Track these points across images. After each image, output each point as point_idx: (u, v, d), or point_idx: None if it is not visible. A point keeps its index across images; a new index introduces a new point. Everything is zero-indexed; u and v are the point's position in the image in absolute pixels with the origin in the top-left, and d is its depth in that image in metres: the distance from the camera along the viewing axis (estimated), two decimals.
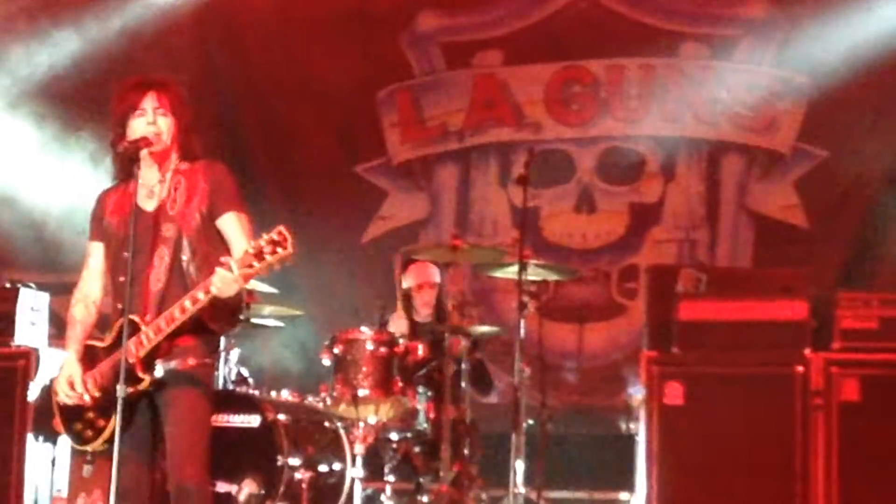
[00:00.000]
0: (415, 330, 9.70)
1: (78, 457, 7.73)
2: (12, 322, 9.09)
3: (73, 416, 6.61)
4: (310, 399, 9.30)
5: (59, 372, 6.60)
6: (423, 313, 9.86)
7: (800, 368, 8.20)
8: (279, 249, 6.16)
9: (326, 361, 9.11)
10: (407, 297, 9.94)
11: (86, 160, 11.02)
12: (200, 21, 11.55)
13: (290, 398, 9.37)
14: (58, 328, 10.22)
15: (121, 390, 6.31)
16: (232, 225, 6.55)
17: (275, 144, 11.58)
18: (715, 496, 8.12)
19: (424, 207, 11.89)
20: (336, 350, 9.07)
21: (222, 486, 8.72)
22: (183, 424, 6.49)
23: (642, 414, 8.35)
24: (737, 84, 11.30)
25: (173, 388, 6.49)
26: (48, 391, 6.85)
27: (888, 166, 10.84)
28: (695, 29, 11.51)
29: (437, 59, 11.92)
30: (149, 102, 6.61)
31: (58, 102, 11.40)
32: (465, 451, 9.09)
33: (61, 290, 10.26)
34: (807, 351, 8.24)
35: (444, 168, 11.94)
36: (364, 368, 9.00)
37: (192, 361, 6.48)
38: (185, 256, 6.51)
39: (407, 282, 9.94)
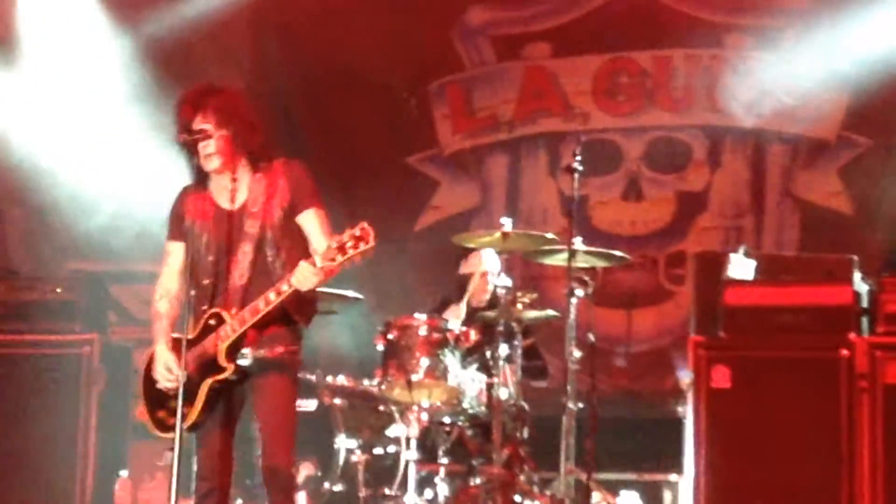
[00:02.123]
0: (469, 315, 9.69)
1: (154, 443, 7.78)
2: (76, 310, 9.13)
3: (156, 404, 6.69)
4: (365, 383, 9.32)
5: (154, 362, 6.66)
6: (479, 299, 9.84)
7: (845, 352, 8.17)
8: (361, 244, 6.24)
9: (381, 347, 9.12)
10: (462, 283, 9.93)
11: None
12: (255, 16, 11.57)
13: (345, 383, 9.38)
14: (118, 315, 10.31)
15: (182, 375, 6.38)
16: (312, 221, 6.63)
17: (329, 137, 11.58)
18: (762, 478, 8.11)
19: (475, 197, 11.89)
20: (390, 336, 9.07)
21: None
22: (273, 410, 6.61)
23: (690, 397, 8.33)
24: (781, 73, 11.23)
25: (263, 375, 6.59)
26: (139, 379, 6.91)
27: None
28: (739, 20, 11.45)
29: (486, 51, 11.91)
30: (198, 124, 6.65)
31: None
32: (517, 434, 9.08)
33: (121, 279, 10.36)
34: (851, 335, 8.21)
35: (494, 158, 11.94)
36: (417, 353, 9.00)
37: (279, 349, 6.56)
38: (268, 252, 6.60)
39: (463, 269, 9.94)
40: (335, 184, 11.38)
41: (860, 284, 8.37)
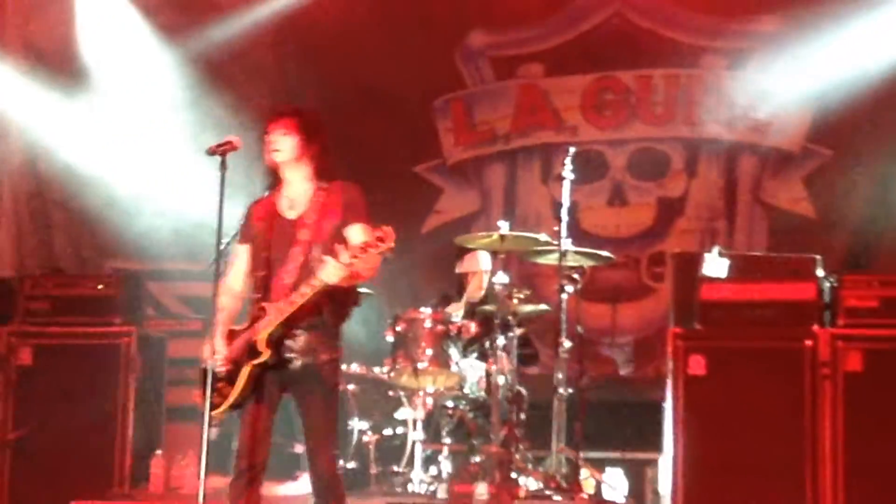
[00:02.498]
0: (469, 309, 9.68)
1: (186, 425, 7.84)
2: (115, 303, 9.13)
3: (209, 388, 6.71)
4: (375, 371, 9.32)
5: (210, 350, 6.67)
6: (476, 295, 9.84)
7: (809, 342, 8.17)
8: (381, 244, 6.29)
9: (390, 338, 9.14)
10: (461, 281, 9.94)
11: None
12: (277, 37, 11.56)
13: (358, 370, 9.38)
14: (153, 309, 10.30)
15: (211, 364, 6.41)
16: (356, 230, 6.64)
17: (343, 147, 11.49)
18: (733, 455, 8.10)
19: (476, 202, 11.89)
20: (398, 328, 9.10)
21: (299, 448, 8.73)
22: (318, 418, 6.66)
23: (669, 383, 8.32)
24: (751, 91, 11.23)
25: (308, 383, 6.61)
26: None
27: (885, 164, 10.74)
28: (714, 42, 11.45)
29: (486, 71, 11.91)
30: (276, 128, 6.74)
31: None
32: (513, 416, 9.07)
33: (156, 277, 10.35)
34: (815, 327, 8.20)
35: (492, 167, 11.94)
36: (423, 344, 9.01)
37: (324, 357, 6.61)
38: (315, 257, 6.61)
39: (461, 268, 9.94)
40: None
41: (823, 281, 8.36)
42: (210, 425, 6.74)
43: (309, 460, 6.67)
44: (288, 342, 6.60)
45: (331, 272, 6.41)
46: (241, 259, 6.90)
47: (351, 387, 9.25)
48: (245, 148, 6.77)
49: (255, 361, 6.54)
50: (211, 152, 6.72)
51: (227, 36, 11.36)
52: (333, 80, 11.48)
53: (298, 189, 6.78)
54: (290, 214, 6.76)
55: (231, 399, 6.60)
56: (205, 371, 6.66)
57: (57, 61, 11.33)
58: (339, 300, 6.66)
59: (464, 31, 11.83)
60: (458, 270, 9.95)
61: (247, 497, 6.61)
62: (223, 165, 6.68)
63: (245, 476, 6.60)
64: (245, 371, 6.57)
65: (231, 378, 6.62)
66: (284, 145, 6.75)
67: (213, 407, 6.62)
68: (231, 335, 6.72)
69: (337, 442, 6.73)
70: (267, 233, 6.74)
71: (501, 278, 9.28)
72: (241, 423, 6.61)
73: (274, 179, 6.84)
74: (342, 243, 6.55)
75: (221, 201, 6.59)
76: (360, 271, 6.48)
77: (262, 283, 6.68)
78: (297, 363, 6.61)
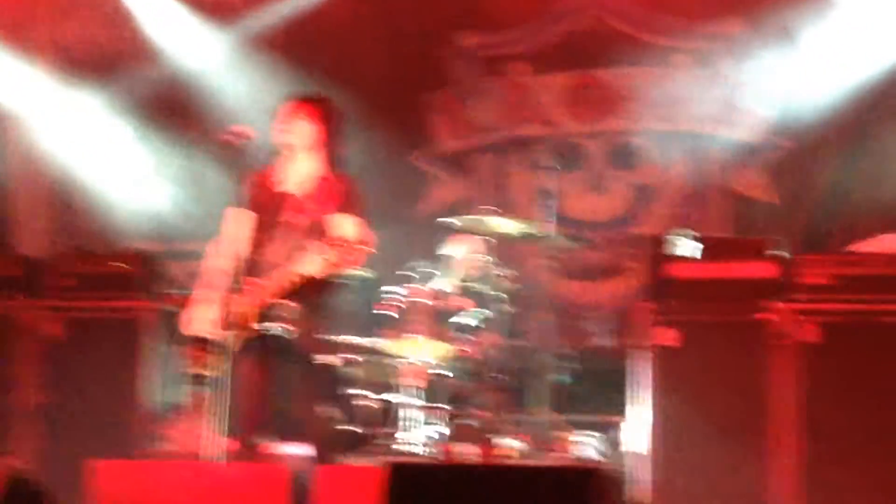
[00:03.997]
0: (460, 288, 9.68)
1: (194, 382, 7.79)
2: (135, 280, 9.13)
3: (197, 346, 6.68)
4: (373, 341, 9.32)
5: (196, 309, 6.65)
6: (467, 276, 9.84)
7: (770, 316, 8.19)
8: (364, 246, 6.24)
9: (387, 312, 9.14)
10: (450, 262, 9.92)
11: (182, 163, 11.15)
12: (287, 39, 11.55)
13: (356, 341, 9.39)
14: (170, 286, 10.30)
15: (231, 337, 6.40)
16: (343, 220, 6.59)
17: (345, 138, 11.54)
18: (699, 420, 8.11)
19: (466, 190, 11.89)
20: (395, 303, 9.10)
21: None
22: (300, 384, 6.57)
23: (642, 353, 8.33)
24: (717, 87, 11.24)
25: (291, 352, 6.55)
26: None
27: (838, 152, 10.75)
28: (683, 43, 11.45)
29: (476, 68, 11.91)
30: (297, 111, 6.67)
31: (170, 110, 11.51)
32: (500, 384, 9.08)
33: (172, 257, 10.35)
34: (775, 302, 8.22)
35: (482, 157, 11.94)
36: (418, 317, 9.01)
37: (305, 328, 6.56)
38: (305, 241, 6.57)
39: (450, 250, 9.92)
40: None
41: (783, 260, 8.37)
42: (201, 385, 6.74)
43: (294, 422, 6.59)
44: (272, 314, 6.53)
45: (315, 266, 6.36)
46: (236, 225, 6.81)
47: (349, 356, 9.25)
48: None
49: (241, 334, 6.48)
50: (224, 141, 6.66)
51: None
52: (336, 76, 11.45)
53: (302, 172, 6.70)
54: (293, 190, 6.68)
55: (219, 365, 6.57)
56: (187, 330, 6.65)
57: (85, 59, 11.33)
58: (323, 281, 6.60)
59: (456, 32, 11.83)
60: (449, 253, 9.94)
61: (250, 456, 6.60)
62: (237, 154, 6.62)
63: (245, 437, 6.57)
64: (231, 340, 6.52)
65: (219, 345, 6.58)
66: (301, 131, 6.67)
67: (203, 367, 6.61)
68: (221, 301, 6.66)
69: (312, 397, 6.63)
70: (263, 204, 6.64)
71: (490, 259, 9.29)
72: (237, 389, 6.53)
73: (279, 156, 6.73)
74: (331, 232, 6.51)
75: (236, 188, 6.56)
76: (344, 264, 6.43)
77: (253, 253, 6.59)
78: (281, 334, 6.54)
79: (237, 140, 6.60)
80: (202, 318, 6.66)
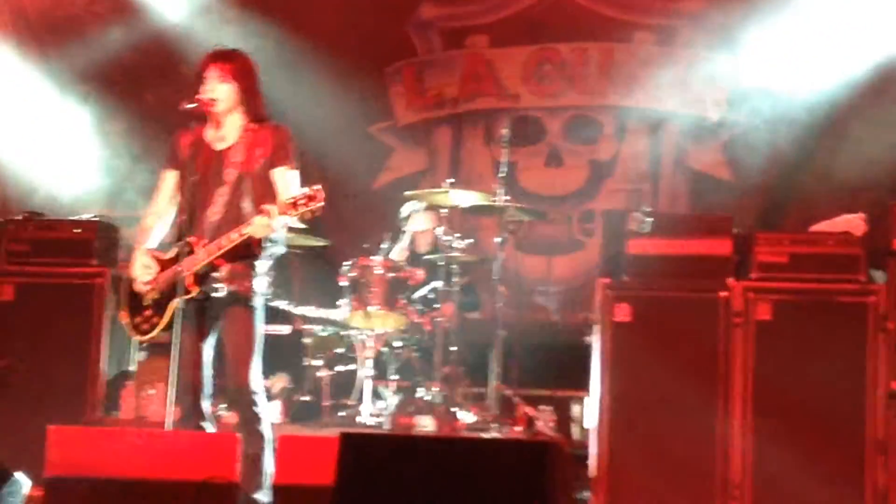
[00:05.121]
0: (416, 260, 9.69)
1: (154, 358, 7.78)
2: (91, 247, 9.07)
3: (135, 311, 6.64)
4: (329, 313, 9.32)
5: (133, 264, 6.61)
6: (423, 249, 9.86)
7: (724, 294, 8.21)
8: (312, 203, 6.18)
9: (343, 283, 9.13)
10: (411, 237, 9.93)
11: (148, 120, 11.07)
12: (244, 7, 11.46)
13: (313, 312, 9.38)
14: (125, 253, 10.25)
15: (180, 300, 6.36)
16: (283, 177, 6.58)
17: (303, 108, 11.49)
18: (654, 395, 8.14)
19: (424, 161, 11.87)
20: (351, 274, 9.09)
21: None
22: (238, 339, 6.54)
23: (597, 329, 8.35)
24: (677, 64, 11.26)
25: (231, 308, 6.53)
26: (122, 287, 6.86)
27: (796, 132, 10.80)
28: (645, 19, 11.46)
29: (435, 41, 11.88)
30: (211, 72, 6.60)
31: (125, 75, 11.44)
32: (454, 357, 9.10)
33: (128, 224, 10.30)
34: (730, 280, 8.25)
35: (440, 130, 11.92)
36: (374, 289, 9.03)
37: (246, 284, 6.53)
38: (241, 196, 6.53)
39: (411, 226, 9.93)
40: (308, 148, 11.31)
41: (737, 238, 8.40)
42: (140, 349, 6.73)
43: (228, 376, 6.56)
44: (213, 275, 6.50)
45: (260, 227, 6.33)
46: (167, 184, 6.77)
47: (307, 327, 9.25)
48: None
49: (184, 296, 6.43)
50: (184, 109, 6.63)
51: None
52: (294, 45, 11.40)
53: (229, 126, 6.64)
54: (219, 146, 6.63)
55: (159, 328, 6.54)
56: (131, 293, 6.61)
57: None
58: (266, 239, 6.56)
59: (415, 3, 11.79)
60: (405, 225, 9.94)
61: (194, 422, 6.57)
62: (198, 121, 6.59)
63: (189, 403, 6.55)
64: (172, 305, 6.48)
65: (159, 307, 6.55)
66: (221, 93, 6.59)
67: (144, 332, 6.59)
68: (157, 262, 6.62)
69: (257, 360, 6.60)
70: (193, 160, 6.58)
71: (445, 231, 9.30)
72: (178, 355, 6.46)
73: (203, 115, 6.66)
74: (268, 184, 6.47)
75: (194, 148, 6.52)
76: (288, 224, 6.40)
77: (188, 213, 6.54)
78: (222, 292, 6.51)
79: (198, 109, 6.57)
80: (139, 267, 6.63)
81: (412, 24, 11.82)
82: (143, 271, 6.60)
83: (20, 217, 9.31)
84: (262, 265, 6.67)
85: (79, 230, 9.10)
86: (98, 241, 9.09)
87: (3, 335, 8.94)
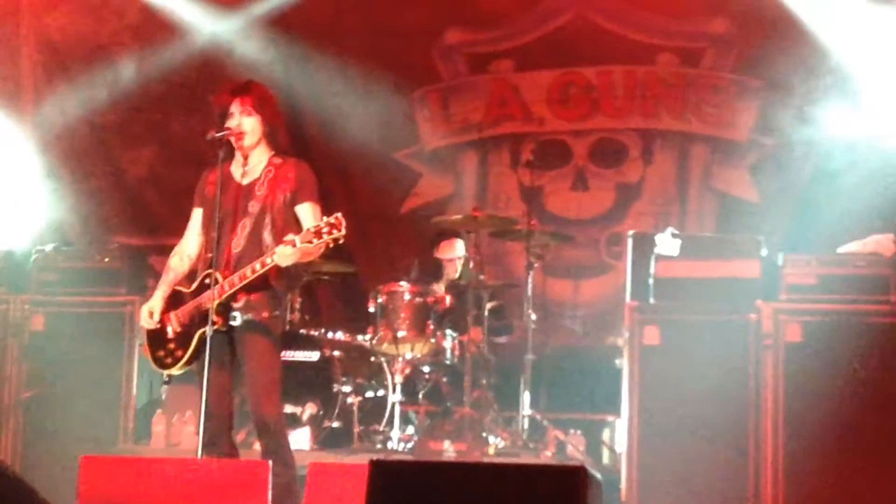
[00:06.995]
0: (442, 285, 9.70)
1: (184, 386, 7.77)
2: (120, 275, 9.10)
3: (157, 345, 6.67)
4: (358, 338, 9.32)
5: (147, 311, 6.64)
6: (452, 275, 9.87)
7: (753, 316, 8.18)
8: (335, 231, 6.19)
9: (372, 308, 9.13)
10: (438, 264, 9.95)
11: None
12: (271, 34, 11.49)
13: (343, 338, 9.38)
14: (154, 281, 10.28)
15: (210, 329, 6.37)
16: (307, 212, 6.57)
17: (330, 136, 11.52)
18: (683, 418, 8.11)
19: (450, 186, 11.87)
20: (380, 299, 9.10)
21: (289, 408, 8.75)
22: (259, 368, 6.52)
23: (626, 352, 8.33)
24: (703, 86, 11.25)
25: (251, 337, 6.52)
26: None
27: (819, 154, 10.76)
28: (669, 42, 11.44)
29: (461, 66, 11.87)
30: (235, 107, 6.61)
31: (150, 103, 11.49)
32: (483, 381, 9.09)
33: (157, 252, 10.33)
34: (758, 301, 8.22)
35: (466, 154, 11.91)
36: (402, 314, 9.02)
37: (265, 314, 6.51)
38: (265, 229, 6.54)
39: (439, 254, 9.95)
40: (336, 175, 11.36)
41: (765, 260, 8.37)
42: (164, 383, 6.73)
43: (252, 406, 6.56)
44: (235, 305, 6.51)
45: (284, 256, 6.32)
46: (194, 221, 6.78)
47: (336, 353, 9.25)
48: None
49: (207, 329, 6.43)
50: (212, 138, 6.62)
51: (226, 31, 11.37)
52: (321, 74, 11.43)
53: (253, 160, 6.66)
54: (243, 181, 6.65)
55: (183, 361, 6.55)
56: (150, 330, 6.63)
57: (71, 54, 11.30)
58: (287, 271, 6.57)
59: (441, 29, 11.78)
60: (437, 256, 9.97)
61: (219, 451, 6.57)
62: (223, 150, 6.59)
63: (216, 432, 6.54)
64: (196, 335, 6.50)
65: (182, 340, 6.56)
66: (247, 126, 6.61)
67: (168, 366, 6.60)
68: (178, 296, 6.65)
69: (279, 389, 6.61)
70: (220, 196, 6.58)
71: (473, 256, 9.30)
72: (206, 387, 6.46)
73: (228, 149, 6.67)
74: (292, 219, 6.49)
75: (220, 184, 6.52)
76: (310, 253, 6.40)
77: (213, 246, 6.55)
78: (241, 321, 6.51)
79: (225, 137, 6.57)
80: (145, 312, 6.66)
81: (437, 49, 11.82)
82: (146, 321, 6.65)
83: (49, 247, 9.35)
84: (281, 295, 6.66)
85: (107, 259, 9.13)
86: (127, 269, 9.12)
87: (35, 365, 8.97)
